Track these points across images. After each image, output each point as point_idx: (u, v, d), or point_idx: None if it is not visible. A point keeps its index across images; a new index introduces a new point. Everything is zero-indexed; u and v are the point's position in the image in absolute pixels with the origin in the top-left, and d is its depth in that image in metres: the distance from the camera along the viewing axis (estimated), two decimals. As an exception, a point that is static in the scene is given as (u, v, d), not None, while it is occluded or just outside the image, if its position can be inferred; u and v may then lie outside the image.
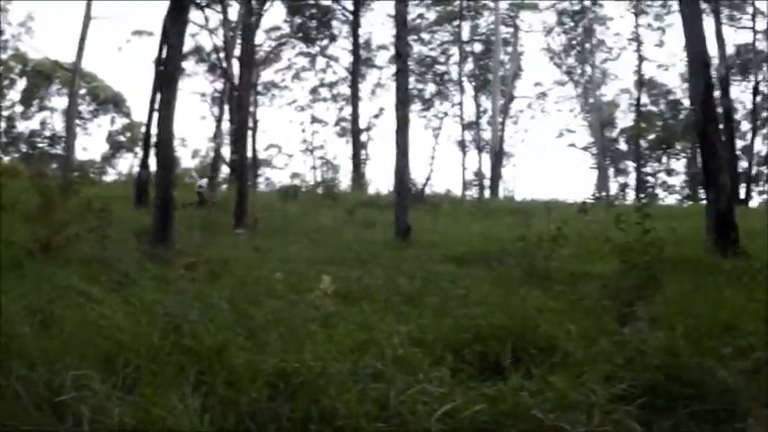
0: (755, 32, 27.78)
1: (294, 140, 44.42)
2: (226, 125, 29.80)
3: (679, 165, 37.75)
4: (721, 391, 3.59)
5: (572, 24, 34.18)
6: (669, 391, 3.55)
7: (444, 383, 3.12)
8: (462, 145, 34.04)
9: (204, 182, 21.10)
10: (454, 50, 33.64)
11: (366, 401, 2.84)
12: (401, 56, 12.36)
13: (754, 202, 30.11)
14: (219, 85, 31.09)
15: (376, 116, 34.30)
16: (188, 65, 29.68)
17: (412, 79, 28.08)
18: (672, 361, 3.71)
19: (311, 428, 2.69)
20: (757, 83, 28.27)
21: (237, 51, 19.65)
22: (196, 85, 39.00)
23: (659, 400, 3.52)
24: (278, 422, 2.72)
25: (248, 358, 3.18)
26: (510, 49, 33.31)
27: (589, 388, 3.23)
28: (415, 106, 32.14)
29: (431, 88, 34.88)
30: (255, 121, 26.97)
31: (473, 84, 34.66)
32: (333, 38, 32.92)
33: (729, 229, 8.24)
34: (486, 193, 27.95)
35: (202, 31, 27.87)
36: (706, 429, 3.45)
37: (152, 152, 14.86)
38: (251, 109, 22.95)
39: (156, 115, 13.82)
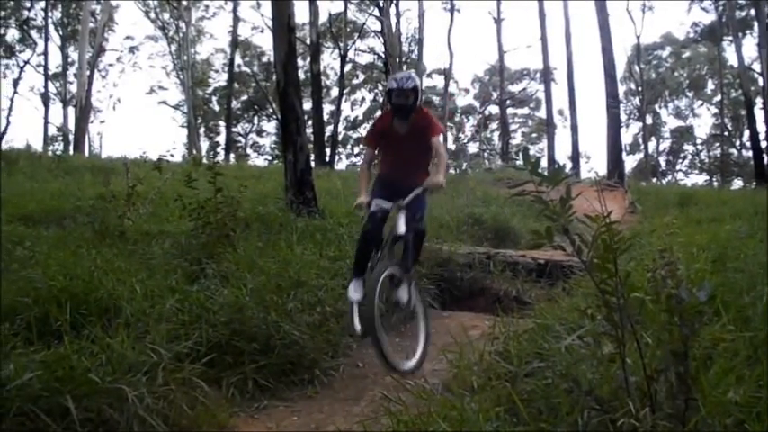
0: (347, 2, 36.31)
1: None
2: None
3: (270, 126, 47.13)
4: (287, 344, 4.89)
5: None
6: (236, 346, 4.66)
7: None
8: (46, 97, 39.12)
9: None
10: (42, -6, 36.66)
11: None
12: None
13: (342, 164, 38.65)
14: None
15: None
16: None
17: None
18: (239, 317, 4.78)
19: None
20: (346, 50, 36.86)
21: None
22: None
23: (226, 357, 4.57)
24: None
25: None
26: (103, -1, 36.25)
27: (153, 348, 4.06)
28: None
29: (13, 34, 37.87)
30: None
31: (60, 33, 39.25)
32: None
33: (306, 189, 10.51)
34: (71, 150, 29.74)
35: None
36: (273, 381, 4.72)
37: None
38: None
39: None
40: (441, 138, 5.40)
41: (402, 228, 5.00)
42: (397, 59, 33.67)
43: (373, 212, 5.17)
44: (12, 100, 32.66)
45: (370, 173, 5.51)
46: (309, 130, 24.93)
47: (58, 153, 22.00)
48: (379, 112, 42.92)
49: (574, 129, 31.49)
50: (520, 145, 47.72)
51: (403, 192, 5.20)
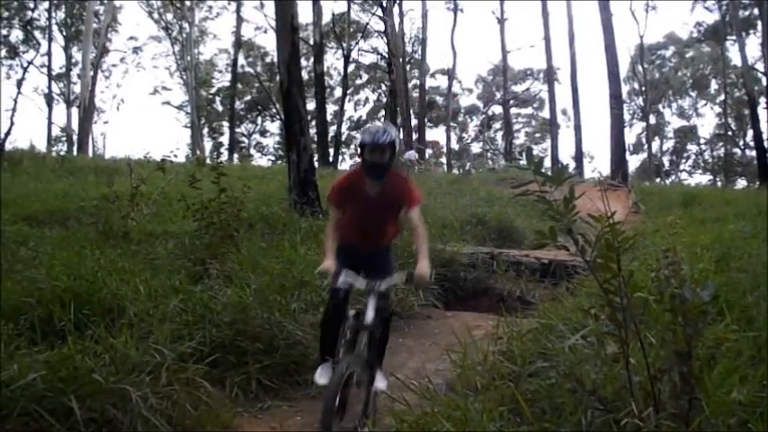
0: (350, 2, 36.69)
1: None
2: None
3: (273, 126, 47.37)
4: (291, 344, 4.88)
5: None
6: (240, 346, 4.66)
7: (-2, 353, 3.50)
8: (50, 98, 39.44)
9: None
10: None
11: None
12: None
13: (345, 165, 38.69)
14: None
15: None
16: None
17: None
18: (242, 317, 4.78)
19: None
20: (349, 51, 37.10)
21: None
22: None
23: (230, 357, 4.56)
24: None
25: None
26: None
27: (156, 348, 4.06)
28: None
29: (17, 34, 38.11)
30: None
31: (64, 33, 39.60)
32: None
33: (309, 189, 10.54)
34: (75, 150, 29.86)
35: None
36: (277, 381, 4.70)
37: None
38: None
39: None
40: (419, 210, 4.33)
41: (370, 317, 4.03)
42: (401, 59, 33.68)
43: (336, 290, 4.28)
44: (15, 100, 32.83)
45: (337, 234, 4.49)
46: (313, 131, 24.90)
47: (61, 153, 22.08)
48: (382, 112, 43.02)
49: (577, 128, 31.49)
50: (523, 145, 47.65)
51: (363, 255, 4.47)
